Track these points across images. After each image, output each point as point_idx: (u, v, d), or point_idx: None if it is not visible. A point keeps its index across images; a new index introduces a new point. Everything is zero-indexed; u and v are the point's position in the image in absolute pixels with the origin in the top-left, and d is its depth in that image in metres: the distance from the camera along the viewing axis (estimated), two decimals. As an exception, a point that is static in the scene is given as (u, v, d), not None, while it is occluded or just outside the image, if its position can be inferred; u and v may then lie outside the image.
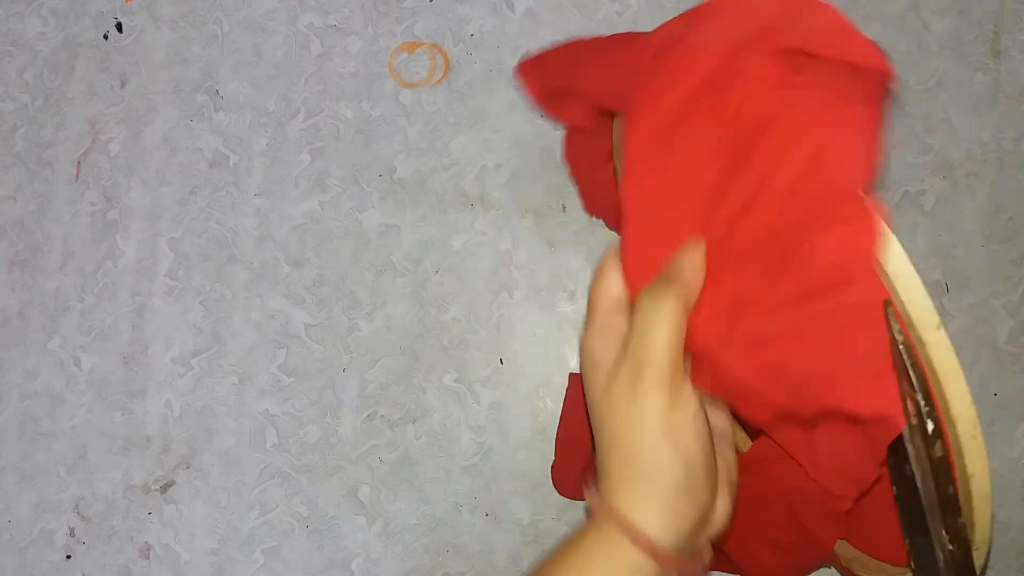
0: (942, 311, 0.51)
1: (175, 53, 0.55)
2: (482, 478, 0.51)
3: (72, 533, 0.52)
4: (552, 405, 0.51)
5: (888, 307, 0.29)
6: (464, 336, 0.52)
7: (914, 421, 0.29)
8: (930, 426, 0.29)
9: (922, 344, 0.29)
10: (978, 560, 0.31)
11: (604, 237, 0.52)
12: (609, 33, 0.53)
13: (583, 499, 0.51)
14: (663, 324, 0.31)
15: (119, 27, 0.55)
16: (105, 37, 0.55)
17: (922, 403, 0.29)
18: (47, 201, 0.54)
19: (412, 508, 0.51)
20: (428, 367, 0.52)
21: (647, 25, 0.53)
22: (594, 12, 0.53)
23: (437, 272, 0.52)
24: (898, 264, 0.29)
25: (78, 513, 0.52)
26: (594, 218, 0.52)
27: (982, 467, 0.29)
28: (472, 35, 0.54)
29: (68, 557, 0.52)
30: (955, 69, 0.52)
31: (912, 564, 0.32)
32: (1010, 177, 0.51)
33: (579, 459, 0.49)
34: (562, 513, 0.51)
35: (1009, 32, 0.52)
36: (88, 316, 0.53)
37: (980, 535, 0.31)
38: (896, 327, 0.29)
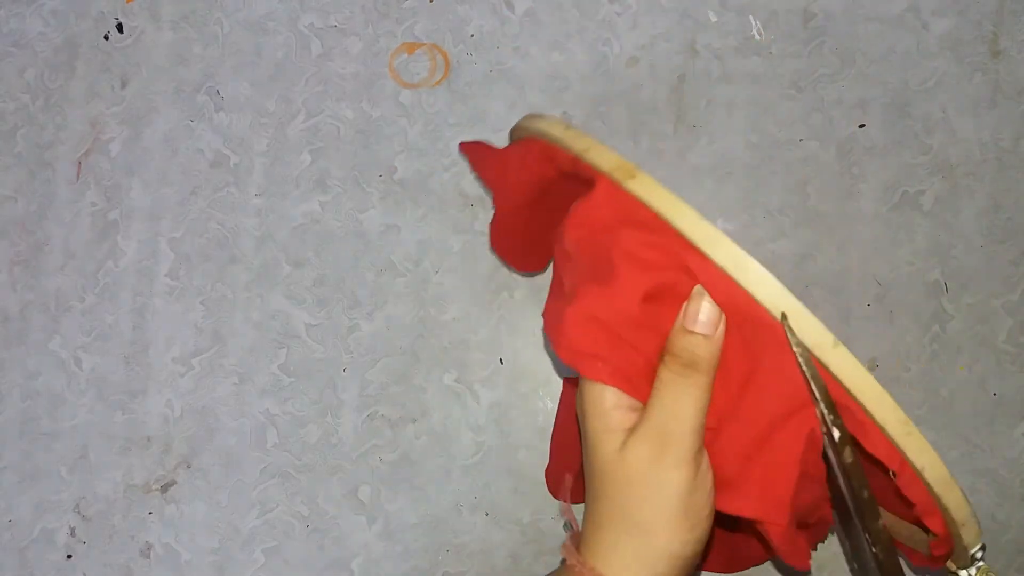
0: (941, 311, 0.51)
1: (176, 54, 0.55)
2: (482, 478, 0.51)
3: (73, 533, 0.52)
4: (552, 405, 0.51)
5: (785, 320, 0.29)
6: (464, 336, 0.52)
7: (824, 429, 0.30)
8: (836, 434, 0.30)
9: (826, 365, 0.29)
10: (969, 537, 0.31)
11: (604, 237, 0.52)
12: (608, 32, 0.53)
13: (577, 502, 0.51)
14: (691, 400, 0.31)
15: (120, 28, 0.55)
16: (106, 38, 0.55)
17: (825, 412, 0.29)
18: (48, 201, 0.54)
19: (412, 508, 0.51)
20: (428, 367, 0.52)
21: (647, 25, 0.53)
22: (594, 13, 0.53)
23: (437, 272, 0.52)
24: (770, 292, 0.29)
25: (79, 513, 0.52)
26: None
27: (929, 458, 0.29)
28: (472, 35, 0.54)
29: (69, 557, 0.52)
30: (954, 70, 0.52)
31: (853, 565, 0.33)
32: (1009, 177, 0.51)
33: (573, 464, 0.49)
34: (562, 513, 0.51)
35: (1008, 33, 0.52)
36: (89, 316, 0.53)
37: (958, 513, 0.31)
38: (794, 339, 0.29)
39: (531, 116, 0.37)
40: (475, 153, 0.45)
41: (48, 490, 0.53)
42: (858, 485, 0.30)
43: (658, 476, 0.31)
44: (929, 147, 0.52)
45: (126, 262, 0.54)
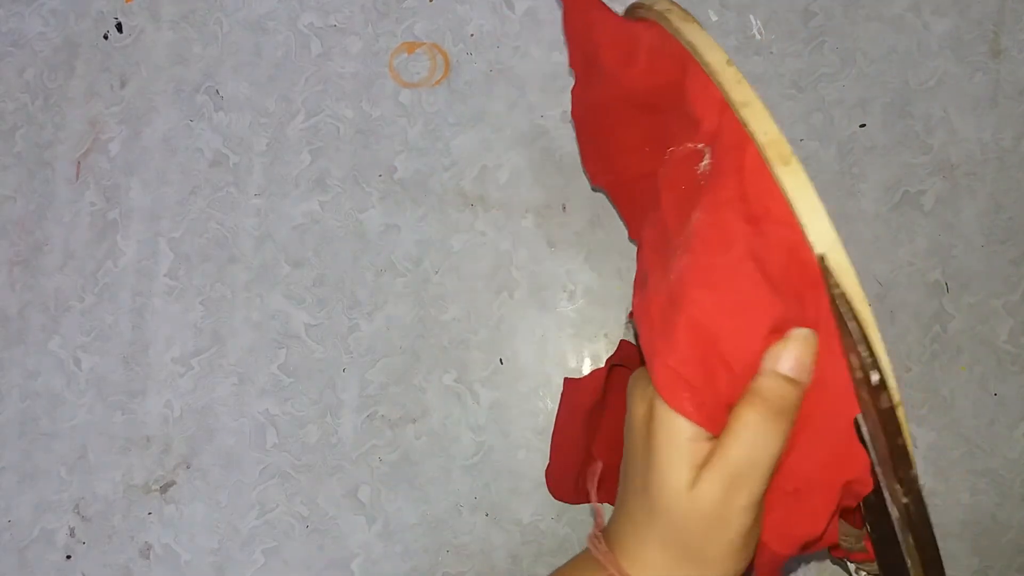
0: (942, 311, 0.51)
1: (175, 53, 0.55)
2: (482, 478, 0.51)
3: (72, 533, 0.52)
4: (552, 405, 0.51)
5: (823, 261, 0.28)
6: (464, 336, 0.52)
7: (859, 375, 0.29)
8: (875, 377, 0.28)
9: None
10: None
11: (604, 237, 0.52)
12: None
13: (576, 503, 0.51)
14: (772, 446, 0.30)
15: (119, 27, 0.55)
16: (105, 37, 0.55)
17: (864, 354, 0.28)
18: (47, 201, 0.54)
19: (412, 508, 0.51)
20: (428, 367, 0.52)
21: (647, 25, 0.53)
22: (594, 12, 0.53)
23: (437, 272, 0.52)
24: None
25: (78, 513, 0.52)
26: (594, 217, 0.52)
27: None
28: (472, 35, 0.54)
29: (68, 557, 0.52)
30: (955, 69, 0.52)
31: (867, 527, 0.32)
32: (1010, 177, 0.51)
33: (573, 465, 0.49)
34: (562, 513, 0.51)
35: (1009, 32, 0.52)
36: (88, 316, 0.53)
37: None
38: (832, 279, 0.28)
39: (683, 15, 0.31)
40: (586, 9, 0.36)
41: (47, 490, 0.52)
42: (893, 431, 0.29)
43: (727, 516, 0.31)
44: (930, 147, 0.51)
45: (125, 262, 0.54)
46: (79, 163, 0.55)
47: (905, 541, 0.30)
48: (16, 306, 0.54)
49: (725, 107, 0.29)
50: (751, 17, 0.52)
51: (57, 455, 0.53)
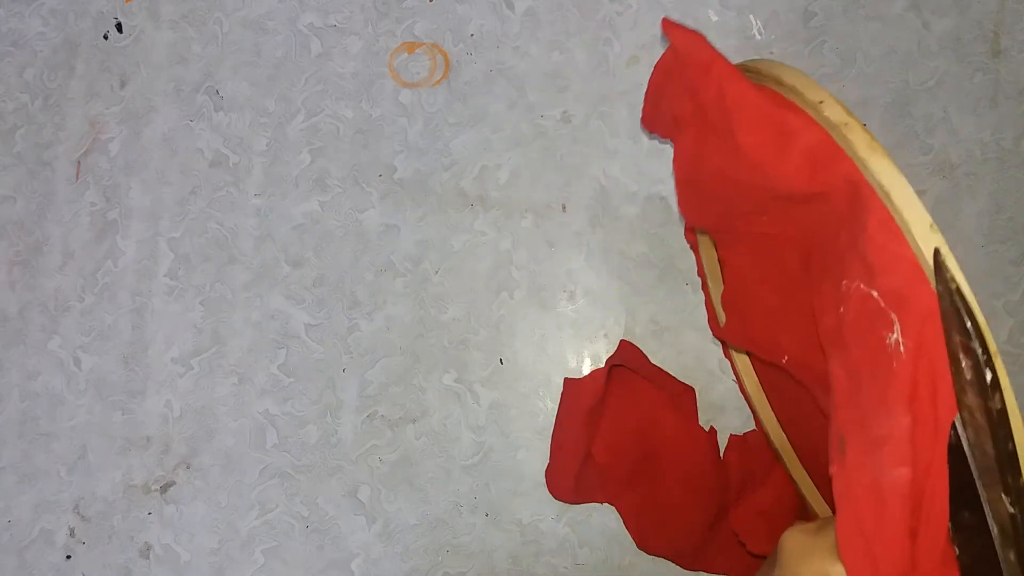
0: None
1: (175, 53, 0.55)
2: (482, 478, 0.51)
3: (72, 533, 0.52)
4: (552, 405, 0.51)
5: (938, 255, 0.27)
6: (464, 336, 0.52)
7: (969, 375, 0.27)
8: (988, 376, 0.27)
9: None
10: None
11: (604, 237, 0.52)
12: (608, 32, 0.53)
13: (576, 503, 0.51)
14: None
15: (119, 27, 0.55)
16: (105, 37, 0.55)
17: (979, 351, 0.27)
18: (47, 201, 0.54)
19: (412, 508, 0.51)
20: (428, 367, 0.52)
21: (647, 25, 0.53)
22: (594, 12, 0.53)
23: (437, 272, 0.52)
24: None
25: (78, 513, 0.52)
26: (594, 217, 0.52)
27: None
28: (472, 35, 0.54)
29: (68, 557, 0.52)
30: (955, 69, 0.52)
31: (957, 551, 0.30)
32: (1010, 177, 0.51)
33: (573, 465, 0.49)
34: (562, 513, 0.51)
35: (1009, 32, 0.52)
36: (88, 316, 0.53)
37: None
38: (948, 273, 0.27)
39: (869, 142, 0.28)
40: (714, 71, 0.31)
41: (47, 490, 0.52)
42: (1004, 435, 0.27)
43: None
44: (930, 147, 0.51)
45: (125, 262, 0.54)
46: (79, 163, 0.55)
47: (1006, 559, 0.28)
48: (16, 306, 0.54)
49: (920, 274, 0.28)
50: (751, 17, 0.52)
51: (57, 455, 0.53)
